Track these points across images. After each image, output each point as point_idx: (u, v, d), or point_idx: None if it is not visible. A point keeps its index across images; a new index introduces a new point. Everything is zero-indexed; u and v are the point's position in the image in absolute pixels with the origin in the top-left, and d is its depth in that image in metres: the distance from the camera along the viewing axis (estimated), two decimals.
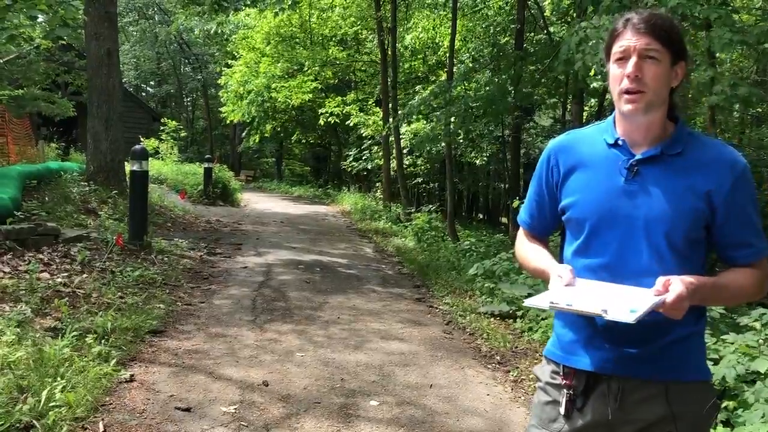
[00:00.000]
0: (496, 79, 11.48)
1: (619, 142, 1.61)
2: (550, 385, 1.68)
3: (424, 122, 16.02)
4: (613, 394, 1.57)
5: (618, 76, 1.56)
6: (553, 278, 1.57)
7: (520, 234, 1.87)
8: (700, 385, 1.59)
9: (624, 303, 1.42)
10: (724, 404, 3.51)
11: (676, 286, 1.41)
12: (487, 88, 11.41)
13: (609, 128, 1.65)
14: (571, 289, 1.53)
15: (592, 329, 1.59)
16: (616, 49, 1.56)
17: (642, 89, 1.52)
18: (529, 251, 1.79)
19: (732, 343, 3.82)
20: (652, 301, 1.42)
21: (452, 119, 11.32)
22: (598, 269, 1.59)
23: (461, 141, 16.87)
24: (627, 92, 1.54)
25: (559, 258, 1.73)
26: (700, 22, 5.93)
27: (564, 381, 1.63)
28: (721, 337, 3.99)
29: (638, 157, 1.58)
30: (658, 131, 1.59)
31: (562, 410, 1.62)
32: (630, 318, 1.35)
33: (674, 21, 1.60)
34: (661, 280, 1.44)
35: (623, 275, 1.55)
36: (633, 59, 1.53)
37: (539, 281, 5.71)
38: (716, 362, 3.67)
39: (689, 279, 1.44)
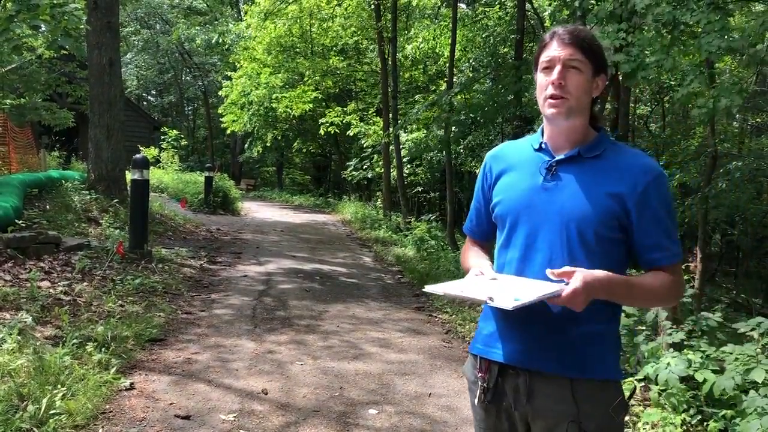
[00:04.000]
0: (496, 88, 11.54)
1: (542, 146, 1.73)
2: (472, 384, 1.77)
3: (425, 131, 16.07)
4: (522, 389, 1.64)
5: (543, 84, 1.67)
6: (471, 273, 1.69)
7: (466, 242, 1.97)
8: (606, 384, 1.63)
9: (514, 292, 1.50)
10: (722, 413, 3.52)
11: (574, 281, 1.49)
12: (483, 96, 11.46)
13: (537, 135, 1.77)
14: (474, 279, 1.63)
15: (506, 321, 1.67)
16: (543, 58, 1.67)
17: (564, 96, 1.63)
18: (466, 255, 1.90)
19: (731, 353, 3.83)
20: (542, 293, 1.49)
21: (452, 129, 11.37)
22: (514, 261, 1.68)
23: (461, 150, 16.92)
24: (551, 98, 1.64)
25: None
26: (689, 29, 5.94)
27: (479, 374, 1.71)
28: (721, 348, 4.00)
29: (557, 157, 1.69)
30: (580, 137, 1.69)
31: (476, 401, 1.72)
32: (509, 305, 1.43)
33: (595, 36, 1.71)
34: (565, 268, 1.52)
35: (534, 267, 1.64)
36: (558, 68, 1.64)
37: None
38: (717, 373, 3.68)
39: (595, 274, 1.51)
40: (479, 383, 1.71)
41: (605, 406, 1.61)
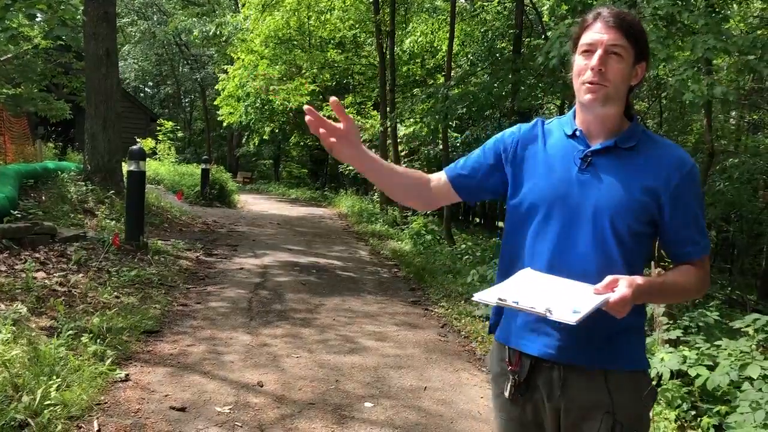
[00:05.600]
0: (493, 80, 11.50)
1: (577, 133, 1.68)
2: (498, 376, 1.74)
3: (421, 125, 16.05)
4: (556, 382, 1.62)
5: (582, 68, 1.61)
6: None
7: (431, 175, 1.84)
8: (637, 374, 1.65)
9: (568, 302, 1.45)
10: (716, 409, 3.53)
11: (621, 288, 1.45)
12: (479, 86, 11.42)
13: (569, 120, 1.72)
14: (519, 285, 1.57)
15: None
16: (584, 40, 1.61)
17: (603, 83, 1.57)
18: (409, 172, 1.80)
19: (725, 349, 3.85)
20: (596, 302, 1.45)
21: (448, 117, 11.34)
22: (546, 253, 1.63)
23: (458, 144, 16.90)
24: (589, 83, 1.59)
25: (503, 249, 1.77)
26: (686, 27, 5.96)
27: (510, 367, 1.69)
28: (715, 343, 4.01)
29: (593, 148, 1.64)
30: (614, 125, 1.65)
31: (507, 394, 1.69)
32: (572, 319, 1.40)
33: (639, 21, 1.65)
34: (607, 280, 1.47)
35: (568, 260, 1.60)
36: (599, 52, 1.57)
37: None
38: (711, 368, 3.70)
39: (638, 281, 1.48)
40: (509, 376, 1.68)
41: (637, 395, 1.62)
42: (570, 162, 1.65)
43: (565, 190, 1.63)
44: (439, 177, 1.81)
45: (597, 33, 1.58)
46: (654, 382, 3.78)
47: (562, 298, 1.48)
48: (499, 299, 1.49)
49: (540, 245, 1.65)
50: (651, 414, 1.71)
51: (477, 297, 1.53)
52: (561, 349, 1.61)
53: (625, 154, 1.62)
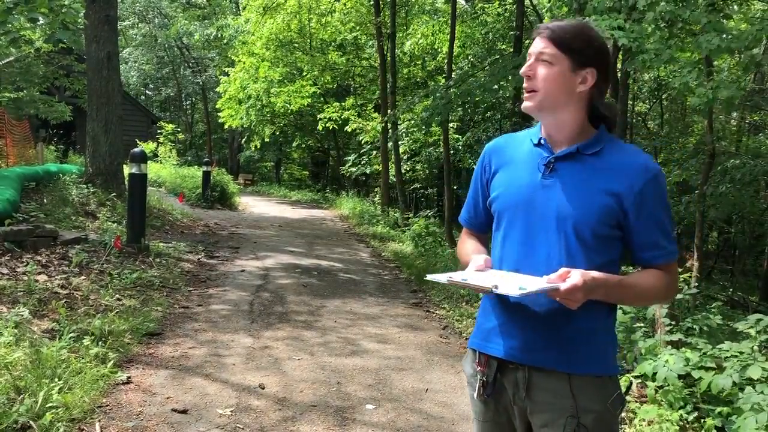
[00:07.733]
0: (491, 75, 11.47)
1: (542, 141, 1.72)
2: (471, 377, 1.79)
3: (419, 126, 16.04)
4: (521, 384, 1.66)
5: None
6: (471, 265, 1.69)
7: (463, 232, 1.97)
8: (604, 380, 1.65)
9: (517, 283, 1.52)
10: (718, 410, 3.53)
11: (573, 277, 1.49)
12: (479, 80, 11.39)
13: (537, 130, 1.76)
14: (477, 273, 1.64)
15: (506, 317, 1.68)
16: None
17: (534, 88, 1.64)
18: (463, 246, 1.91)
19: (727, 350, 3.84)
20: (543, 285, 1.49)
21: (447, 107, 11.33)
22: (512, 257, 1.69)
23: (459, 147, 16.90)
24: (525, 90, 1.67)
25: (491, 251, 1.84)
26: (688, 27, 5.95)
27: (478, 368, 1.73)
28: (718, 346, 4.01)
29: (556, 154, 1.68)
30: (574, 132, 1.68)
31: (475, 395, 1.73)
32: (515, 293, 1.45)
33: (584, 30, 1.66)
34: (560, 271, 1.52)
35: (533, 263, 1.64)
36: (530, 61, 1.66)
37: None
38: (714, 370, 3.69)
39: (592, 274, 1.52)
40: (478, 377, 1.73)
41: (602, 400, 1.63)
42: (535, 169, 1.69)
43: (530, 195, 1.67)
44: (467, 231, 1.94)
45: (533, 45, 1.67)
46: (658, 385, 3.79)
47: (513, 281, 1.55)
48: (450, 278, 1.57)
49: (507, 249, 1.71)
50: (619, 421, 1.70)
51: (430, 277, 1.62)
52: (524, 350, 1.65)
53: (589, 160, 1.65)
